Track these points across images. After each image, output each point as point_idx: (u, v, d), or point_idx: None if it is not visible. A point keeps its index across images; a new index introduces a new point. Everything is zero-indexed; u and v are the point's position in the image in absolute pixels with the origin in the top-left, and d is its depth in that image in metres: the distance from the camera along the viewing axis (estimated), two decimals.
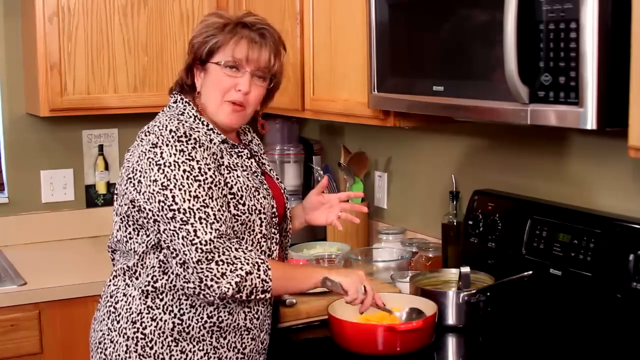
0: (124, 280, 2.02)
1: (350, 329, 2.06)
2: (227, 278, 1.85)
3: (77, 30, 3.06)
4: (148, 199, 1.90)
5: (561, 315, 2.16)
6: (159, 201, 1.88)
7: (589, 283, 2.07)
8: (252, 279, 1.87)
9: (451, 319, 2.20)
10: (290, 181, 3.34)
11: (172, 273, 1.96)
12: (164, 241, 1.91)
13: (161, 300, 1.97)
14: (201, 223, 1.86)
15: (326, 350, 2.13)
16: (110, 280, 2.08)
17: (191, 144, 1.92)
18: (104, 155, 3.46)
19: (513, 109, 1.83)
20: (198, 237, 1.85)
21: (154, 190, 1.89)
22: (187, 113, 2.03)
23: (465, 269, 2.25)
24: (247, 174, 2.03)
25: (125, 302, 2.00)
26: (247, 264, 1.88)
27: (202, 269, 1.85)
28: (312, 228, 3.07)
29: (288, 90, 2.85)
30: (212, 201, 1.89)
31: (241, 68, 2.01)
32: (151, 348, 1.97)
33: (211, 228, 1.86)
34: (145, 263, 1.98)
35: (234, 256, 1.87)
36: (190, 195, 1.87)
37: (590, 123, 1.67)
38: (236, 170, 2.00)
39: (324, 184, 2.30)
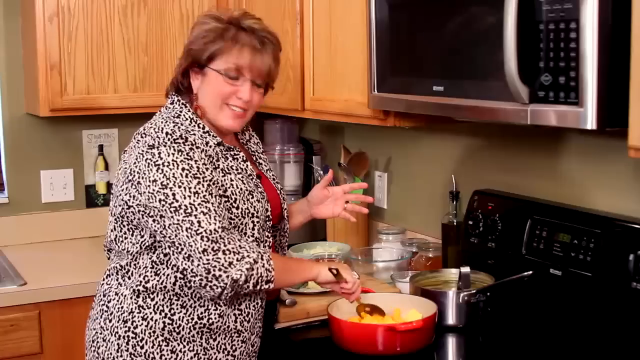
0: (117, 280, 2.03)
1: (350, 329, 2.06)
2: (235, 267, 1.86)
3: (77, 30, 3.06)
4: (148, 199, 1.90)
5: (561, 315, 2.16)
6: (160, 200, 1.88)
7: (589, 283, 2.07)
8: (257, 268, 1.89)
9: (451, 319, 2.20)
10: (290, 181, 3.34)
11: (164, 274, 1.96)
12: (169, 238, 1.90)
13: (152, 300, 1.98)
14: (204, 215, 1.87)
15: (326, 350, 2.13)
16: (103, 279, 2.09)
17: (188, 145, 1.93)
18: (104, 155, 3.47)
19: (513, 109, 1.83)
20: (202, 227, 1.86)
21: (153, 190, 1.89)
22: (184, 115, 2.02)
23: (465, 269, 2.25)
24: (242, 177, 2.03)
25: (117, 301, 2.01)
26: (253, 252, 1.89)
27: (208, 260, 1.85)
28: (312, 228, 3.07)
29: (288, 90, 2.85)
30: (212, 197, 1.90)
31: (242, 77, 2.01)
32: (142, 347, 1.97)
33: (214, 220, 1.87)
34: (138, 263, 1.99)
35: (239, 245, 1.88)
36: (190, 192, 1.87)
37: (590, 123, 1.67)
38: (230, 173, 2.01)
39: (329, 178, 2.30)
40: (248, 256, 1.88)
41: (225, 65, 1.99)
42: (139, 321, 1.98)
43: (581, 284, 2.09)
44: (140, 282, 1.98)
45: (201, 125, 2.01)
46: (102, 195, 3.48)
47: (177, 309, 1.97)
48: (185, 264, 1.89)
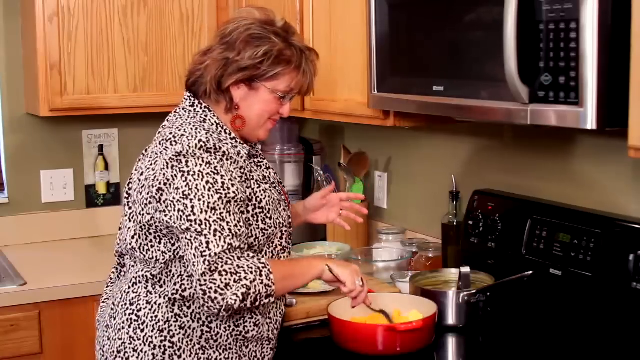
0: (146, 288, 1.98)
1: (350, 329, 2.06)
2: (232, 289, 1.81)
3: (77, 30, 3.06)
4: (167, 207, 1.87)
5: (561, 315, 2.16)
6: (179, 210, 1.85)
7: (589, 283, 2.07)
8: (255, 286, 1.84)
9: (451, 319, 2.20)
10: (290, 181, 3.34)
11: None
12: (182, 249, 1.89)
13: (189, 308, 1.94)
14: (215, 235, 1.82)
15: (326, 350, 2.13)
16: (128, 287, 2.01)
17: (219, 156, 1.89)
18: (104, 155, 3.46)
19: (513, 109, 1.83)
20: (210, 249, 1.82)
21: (174, 198, 1.85)
22: (209, 120, 1.97)
23: (465, 269, 2.25)
24: (270, 187, 2.02)
25: (150, 309, 1.96)
26: (251, 272, 1.84)
27: (205, 280, 1.81)
28: (312, 228, 3.07)
29: None
30: (230, 216, 1.85)
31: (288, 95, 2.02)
32: (179, 356, 1.94)
33: (224, 242, 1.83)
34: (171, 271, 1.94)
35: (237, 265, 1.83)
36: (208, 207, 1.83)
37: (590, 123, 1.67)
38: (263, 182, 1.99)
39: (331, 189, 2.31)
40: (245, 278, 1.83)
41: (284, 88, 1.98)
42: (176, 330, 1.94)
43: (581, 284, 2.09)
44: (177, 290, 1.94)
45: (228, 132, 1.98)
46: (102, 195, 3.48)
47: (214, 316, 1.95)
48: (191, 279, 1.90)
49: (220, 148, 1.90)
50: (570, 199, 2.29)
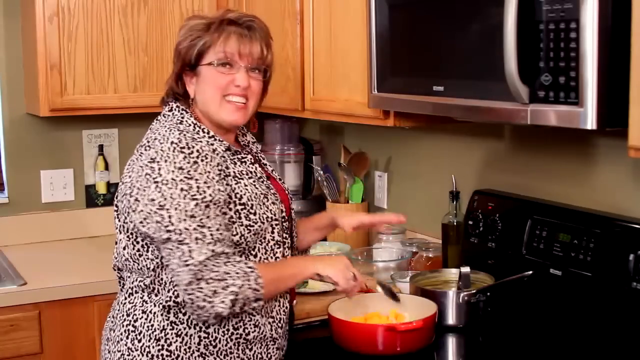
0: (142, 298, 1.96)
1: (350, 329, 2.06)
2: (219, 296, 1.79)
3: (77, 30, 3.06)
4: (145, 219, 1.85)
5: (561, 315, 2.16)
6: (156, 221, 1.83)
7: (589, 283, 2.07)
8: (244, 291, 1.82)
9: (451, 319, 2.20)
10: (290, 181, 3.34)
11: None
12: (165, 259, 1.87)
13: (184, 314, 1.91)
14: (197, 243, 1.80)
15: (326, 350, 2.13)
16: (125, 298, 2.00)
17: (193, 157, 1.85)
18: (104, 155, 3.46)
19: (513, 109, 1.83)
20: (192, 258, 1.80)
21: (150, 210, 1.83)
22: (186, 121, 1.97)
23: (465, 269, 2.25)
24: (254, 181, 1.98)
25: (146, 319, 1.93)
26: (238, 277, 1.81)
27: (192, 289, 1.80)
28: None
29: (288, 90, 2.85)
30: (210, 221, 1.83)
31: (235, 64, 1.96)
32: None
33: (207, 249, 1.81)
34: (162, 279, 1.92)
35: (224, 271, 1.80)
36: (186, 215, 1.81)
37: (590, 123, 1.67)
38: (243, 178, 1.95)
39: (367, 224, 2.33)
40: (233, 284, 1.80)
41: (215, 56, 1.96)
42: (172, 338, 1.91)
43: (581, 284, 2.09)
44: (170, 297, 1.91)
45: (205, 130, 1.96)
46: (102, 195, 3.48)
47: (204, 324, 1.92)
48: (177, 288, 1.87)
49: (193, 147, 1.86)
50: (570, 199, 2.29)
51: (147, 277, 1.94)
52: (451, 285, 2.34)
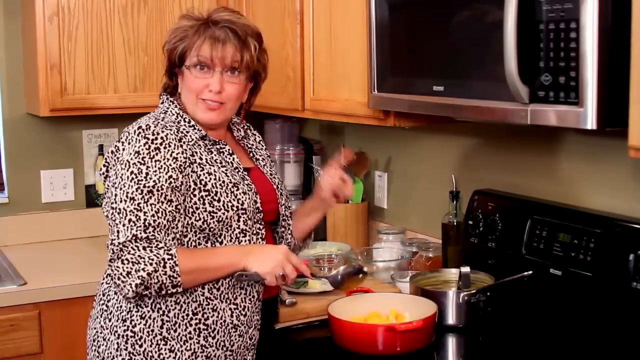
0: None
1: (350, 329, 2.06)
2: (130, 277, 1.88)
3: (77, 30, 3.06)
4: (105, 192, 2.03)
5: (561, 315, 2.16)
6: (108, 197, 2.00)
7: (589, 283, 2.07)
8: (158, 277, 1.89)
9: (451, 319, 2.20)
10: (290, 181, 3.34)
11: None
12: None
13: (149, 298, 1.97)
14: (124, 225, 1.90)
15: (326, 350, 2.13)
16: (103, 279, 2.11)
17: (155, 144, 1.94)
18: (104, 155, 3.46)
19: (513, 109, 1.83)
20: (118, 238, 1.91)
21: (108, 185, 2.02)
22: (170, 111, 2.07)
23: (465, 269, 2.25)
24: (226, 170, 2.04)
25: (117, 300, 2.02)
26: (151, 263, 1.88)
27: (111, 267, 1.91)
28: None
29: (288, 90, 2.85)
30: (147, 206, 1.91)
31: (210, 68, 2.03)
32: (140, 346, 1.98)
33: (129, 232, 1.90)
34: None
35: (139, 255, 1.89)
36: (127, 197, 1.92)
37: (590, 123, 1.67)
38: (213, 166, 2.01)
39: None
40: (144, 269, 1.87)
41: (191, 61, 2.04)
42: (137, 320, 1.98)
43: (581, 284, 2.09)
44: None
45: (187, 120, 2.06)
46: (102, 195, 3.47)
47: (172, 305, 1.98)
48: None
49: (158, 134, 1.95)
50: (570, 199, 2.29)
51: None
52: (451, 285, 2.34)
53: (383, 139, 3.07)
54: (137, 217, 1.90)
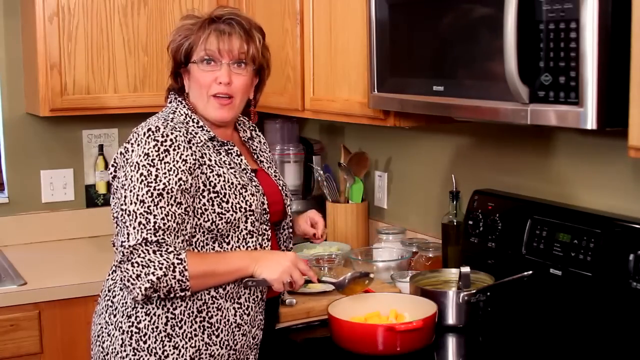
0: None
1: (350, 329, 2.06)
2: (140, 280, 1.89)
3: (77, 30, 3.06)
4: (113, 193, 2.02)
5: (561, 315, 2.16)
6: (117, 198, 1.99)
7: (589, 283, 2.07)
8: (167, 281, 1.90)
9: (451, 319, 2.20)
10: (290, 181, 3.34)
11: None
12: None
13: (158, 299, 1.98)
14: (134, 228, 1.90)
15: (326, 350, 2.13)
16: (109, 275, 2.12)
17: (165, 146, 1.94)
18: (104, 155, 3.46)
19: (513, 109, 1.83)
20: (129, 241, 1.91)
21: (116, 187, 2.01)
22: (179, 111, 2.08)
23: (465, 269, 2.25)
24: (235, 172, 2.04)
25: (122, 296, 2.03)
26: (161, 267, 1.89)
27: (121, 268, 1.91)
28: None
29: (288, 90, 2.85)
30: (157, 209, 1.91)
31: (217, 61, 2.04)
32: (145, 342, 1.99)
33: (139, 235, 1.90)
34: None
35: (149, 259, 1.89)
36: (137, 199, 1.92)
37: (590, 123, 1.67)
38: (222, 167, 2.02)
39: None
40: (153, 273, 1.88)
41: (198, 55, 2.05)
42: (142, 316, 1.99)
43: (581, 284, 2.09)
44: None
45: (195, 120, 2.06)
46: (102, 195, 3.48)
47: (177, 303, 1.98)
48: None
49: (168, 136, 1.95)
50: (570, 199, 2.29)
51: None
52: (451, 285, 2.34)
53: (383, 139, 3.07)
54: (147, 220, 1.90)
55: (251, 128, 2.26)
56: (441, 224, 2.62)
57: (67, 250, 3.28)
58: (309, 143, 3.42)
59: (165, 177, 1.92)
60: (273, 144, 3.35)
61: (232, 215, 2.00)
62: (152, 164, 1.93)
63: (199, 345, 2.00)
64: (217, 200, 1.98)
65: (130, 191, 1.93)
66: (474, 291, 2.20)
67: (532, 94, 1.78)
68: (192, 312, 2.00)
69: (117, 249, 1.94)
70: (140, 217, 1.91)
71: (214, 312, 2.01)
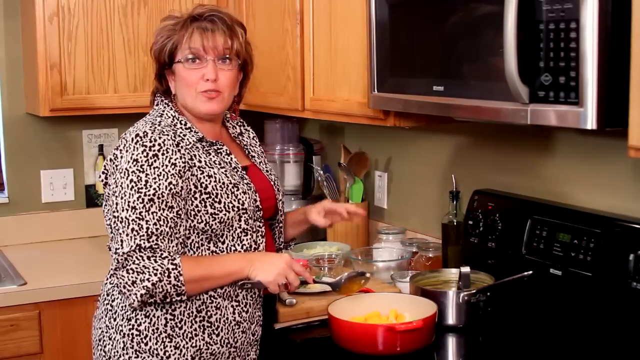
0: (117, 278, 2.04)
1: (350, 329, 2.06)
2: (136, 287, 1.90)
3: (77, 30, 3.06)
4: (106, 200, 2.03)
5: (561, 315, 2.16)
6: (109, 205, 2.00)
7: (589, 283, 2.07)
8: (162, 286, 1.91)
9: (451, 319, 2.20)
10: (290, 181, 3.34)
11: None
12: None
13: (154, 304, 1.99)
14: (127, 235, 1.91)
15: (326, 350, 2.13)
16: (107, 279, 2.12)
17: (153, 151, 1.94)
18: (104, 155, 3.46)
19: (513, 109, 1.83)
20: (122, 247, 1.92)
21: (108, 194, 2.01)
22: (166, 114, 2.08)
23: (465, 269, 2.25)
24: (226, 171, 2.05)
25: (121, 299, 2.03)
26: (156, 273, 1.90)
27: (117, 275, 1.93)
28: (312, 228, 3.06)
29: (288, 90, 2.85)
30: (149, 215, 1.92)
31: (202, 58, 2.04)
32: (146, 344, 1.99)
33: (133, 241, 1.90)
34: None
35: (143, 265, 1.90)
36: (128, 206, 1.92)
37: (590, 123, 1.67)
38: (212, 167, 2.02)
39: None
40: (148, 279, 1.90)
41: (183, 54, 2.05)
42: (142, 319, 2.00)
43: (581, 284, 2.09)
44: None
45: (183, 122, 2.06)
46: (102, 195, 3.47)
47: (176, 303, 1.99)
48: None
49: (155, 140, 1.95)
50: (570, 199, 2.29)
51: None
52: (451, 285, 2.34)
53: (383, 139, 3.07)
54: (140, 226, 1.91)
55: (239, 124, 2.27)
56: (441, 224, 2.62)
57: (67, 250, 3.28)
58: (309, 143, 3.42)
59: (155, 182, 1.93)
60: (273, 144, 3.35)
61: (225, 214, 2.00)
62: (141, 170, 1.93)
63: (199, 345, 2.01)
64: (209, 201, 1.99)
65: (122, 198, 1.93)
66: (474, 291, 2.20)
67: (532, 94, 1.78)
68: (192, 312, 2.00)
69: (112, 255, 1.95)
70: (133, 224, 1.91)
71: (213, 311, 2.02)
